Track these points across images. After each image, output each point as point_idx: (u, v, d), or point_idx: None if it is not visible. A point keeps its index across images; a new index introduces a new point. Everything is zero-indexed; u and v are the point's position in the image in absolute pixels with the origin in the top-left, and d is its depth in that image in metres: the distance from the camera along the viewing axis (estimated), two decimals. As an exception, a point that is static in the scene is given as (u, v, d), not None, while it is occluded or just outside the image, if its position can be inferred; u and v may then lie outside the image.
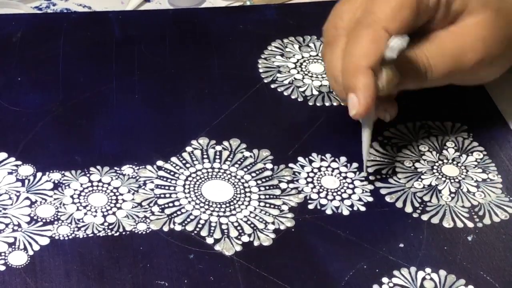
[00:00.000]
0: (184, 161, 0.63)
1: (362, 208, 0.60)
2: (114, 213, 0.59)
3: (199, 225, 0.58)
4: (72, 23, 0.76)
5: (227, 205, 0.60)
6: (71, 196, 0.60)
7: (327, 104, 0.68)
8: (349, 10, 0.63)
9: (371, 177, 0.62)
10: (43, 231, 0.57)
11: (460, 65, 0.62)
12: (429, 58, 0.61)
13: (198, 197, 0.60)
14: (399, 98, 0.65)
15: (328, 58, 0.62)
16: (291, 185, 0.62)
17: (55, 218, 0.58)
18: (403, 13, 0.60)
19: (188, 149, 0.64)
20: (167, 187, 0.61)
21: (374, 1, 0.60)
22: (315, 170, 0.63)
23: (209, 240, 0.57)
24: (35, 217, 0.58)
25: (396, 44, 0.58)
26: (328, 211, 0.60)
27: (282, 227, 0.59)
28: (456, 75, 0.63)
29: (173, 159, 0.63)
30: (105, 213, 0.59)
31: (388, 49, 0.58)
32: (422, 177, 0.63)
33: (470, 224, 0.60)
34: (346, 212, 0.60)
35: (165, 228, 0.58)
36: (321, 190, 0.61)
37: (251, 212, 0.60)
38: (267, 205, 0.60)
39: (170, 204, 0.60)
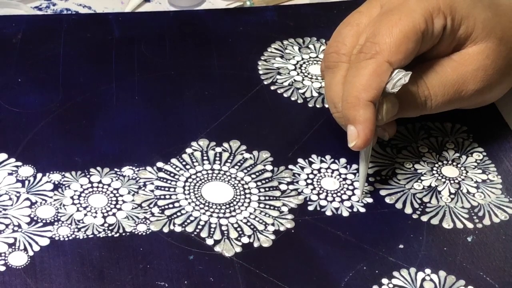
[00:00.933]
0: (184, 163, 0.63)
1: (362, 210, 0.60)
2: (114, 214, 0.59)
3: (199, 226, 0.58)
4: (72, 24, 0.76)
5: (227, 206, 0.60)
6: (71, 197, 0.60)
7: (326, 105, 0.68)
8: (352, 34, 0.62)
9: (370, 179, 0.63)
10: (43, 232, 0.57)
11: (460, 95, 0.62)
12: (429, 87, 0.61)
13: (198, 198, 0.60)
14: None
15: (328, 82, 0.62)
16: (291, 187, 0.62)
17: (55, 219, 0.58)
18: (407, 45, 0.59)
19: (188, 150, 0.64)
20: (167, 189, 0.61)
21: (379, 30, 0.59)
22: (315, 172, 0.63)
23: (209, 241, 0.57)
24: (35, 218, 0.58)
25: (398, 79, 0.58)
26: (328, 213, 0.60)
27: (282, 229, 0.59)
28: (456, 103, 0.63)
29: (173, 160, 0.63)
30: (105, 214, 0.59)
31: (389, 84, 0.58)
32: (422, 178, 0.63)
33: (470, 225, 0.60)
34: (346, 214, 0.60)
35: (165, 229, 0.58)
36: (321, 191, 0.61)
37: (251, 213, 0.60)
38: (267, 206, 0.60)
39: (170, 205, 0.60)
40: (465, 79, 0.61)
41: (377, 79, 0.58)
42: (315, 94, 0.70)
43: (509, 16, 0.63)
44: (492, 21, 0.62)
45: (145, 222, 0.58)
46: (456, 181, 0.63)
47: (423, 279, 0.56)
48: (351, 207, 0.60)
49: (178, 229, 0.58)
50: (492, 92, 0.63)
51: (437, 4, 0.60)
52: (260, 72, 0.72)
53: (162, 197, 0.60)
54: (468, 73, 0.61)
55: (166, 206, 0.60)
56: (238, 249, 0.57)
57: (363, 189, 0.61)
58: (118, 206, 0.59)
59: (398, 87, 0.58)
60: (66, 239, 0.57)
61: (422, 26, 0.59)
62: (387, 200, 0.61)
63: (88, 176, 0.61)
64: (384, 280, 0.55)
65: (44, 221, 0.58)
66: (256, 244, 0.57)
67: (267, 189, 0.61)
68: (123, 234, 0.57)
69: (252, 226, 0.59)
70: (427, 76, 0.61)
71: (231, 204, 0.60)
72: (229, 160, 0.63)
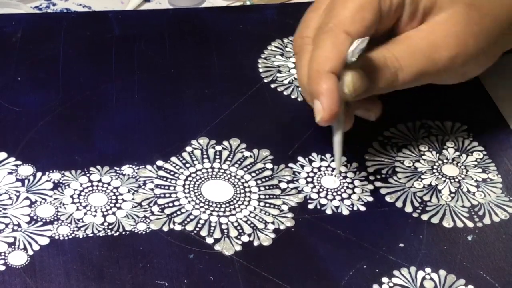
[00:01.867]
0: (184, 161, 0.63)
1: (362, 208, 0.60)
2: (114, 213, 0.59)
3: (199, 225, 0.58)
4: (72, 23, 0.76)
5: (227, 205, 0.60)
6: (71, 196, 0.60)
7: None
8: (314, 18, 0.62)
9: (371, 177, 0.62)
10: (43, 231, 0.57)
11: (433, 64, 0.60)
12: (398, 59, 0.60)
13: (198, 197, 0.60)
14: (399, 97, 0.65)
15: (297, 67, 0.62)
16: (291, 185, 0.62)
17: (55, 218, 0.58)
18: (363, 14, 0.59)
19: (188, 149, 0.64)
20: (167, 187, 0.61)
21: (334, 6, 0.59)
22: (315, 170, 0.63)
23: (209, 240, 0.57)
24: (35, 217, 0.58)
25: (355, 46, 0.57)
26: (328, 211, 0.60)
27: (282, 227, 0.59)
28: (430, 74, 0.61)
29: (173, 159, 0.63)
30: (105, 213, 0.59)
31: (349, 53, 0.57)
32: (422, 177, 0.63)
33: (470, 224, 0.60)
34: (346, 212, 0.60)
35: (165, 228, 0.58)
36: (321, 190, 0.61)
37: (251, 212, 0.60)
38: (267, 205, 0.60)
39: (170, 204, 0.60)
40: (436, 47, 0.60)
41: (335, 50, 0.57)
42: (315, 92, 0.70)
43: None
44: None
45: (145, 221, 0.58)
46: (456, 180, 0.63)
47: (423, 278, 0.56)
48: (351, 205, 0.60)
49: (178, 227, 0.58)
50: (470, 63, 0.62)
51: None
52: (260, 70, 0.72)
53: (162, 195, 0.60)
54: (438, 40, 0.60)
55: (166, 205, 0.60)
56: (238, 248, 0.57)
57: (339, 167, 0.61)
58: (118, 205, 0.59)
59: (357, 54, 0.57)
60: (66, 238, 0.57)
61: None
62: (387, 198, 0.61)
63: (88, 175, 0.61)
64: (384, 279, 0.55)
65: (44, 220, 0.58)
66: (256, 243, 0.57)
67: (267, 187, 0.61)
68: (123, 233, 0.57)
69: (252, 225, 0.59)
70: (395, 48, 0.60)
71: (231, 203, 0.60)
72: (229, 159, 0.63)
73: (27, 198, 0.59)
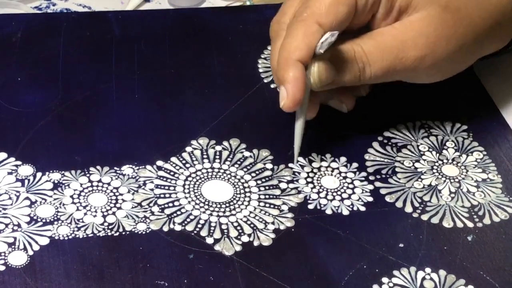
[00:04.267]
0: (184, 161, 0.63)
1: (362, 208, 0.60)
2: (114, 213, 0.59)
3: (199, 225, 0.58)
4: (72, 23, 0.76)
5: (227, 205, 0.60)
6: (71, 196, 0.60)
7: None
8: (292, 5, 0.63)
9: (371, 177, 0.63)
10: (43, 231, 0.57)
11: (401, 62, 0.61)
12: (367, 53, 0.60)
13: (198, 197, 0.60)
14: (398, 97, 0.65)
15: (271, 52, 0.63)
16: (291, 185, 0.62)
17: (55, 218, 0.58)
18: (338, 8, 0.59)
19: (188, 149, 0.64)
20: (167, 187, 0.61)
21: None
22: (315, 170, 0.63)
23: (209, 240, 0.57)
24: (35, 217, 0.58)
25: (324, 38, 0.58)
26: (328, 211, 0.60)
27: (282, 227, 0.59)
28: (398, 72, 0.61)
29: (173, 159, 0.63)
30: (105, 213, 0.59)
31: (318, 44, 0.58)
32: (422, 177, 0.63)
33: (470, 224, 0.60)
34: (346, 212, 0.60)
35: (165, 228, 0.58)
36: (321, 190, 0.61)
37: (251, 212, 0.60)
38: (267, 205, 0.60)
39: (170, 204, 0.60)
40: (405, 45, 0.61)
41: (305, 40, 0.58)
42: (315, 92, 0.70)
43: None
44: None
45: (145, 221, 0.58)
46: (456, 180, 0.63)
47: (423, 278, 0.56)
48: (351, 205, 0.60)
49: (178, 228, 0.58)
50: (437, 67, 0.62)
51: None
52: (260, 70, 0.72)
53: (162, 196, 0.60)
54: (408, 39, 0.61)
55: (166, 205, 0.60)
56: (238, 248, 0.57)
57: (298, 154, 0.62)
58: (118, 205, 0.59)
59: (325, 46, 0.58)
60: (66, 238, 0.57)
61: None
62: (387, 199, 0.61)
63: (88, 175, 0.61)
64: (384, 279, 0.55)
65: (43, 221, 0.58)
66: (256, 243, 0.57)
67: (267, 187, 0.61)
68: (123, 233, 0.57)
69: (252, 225, 0.59)
70: (365, 43, 0.61)
71: (231, 203, 0.60)
72: (229, 159, 0.63)
73: (27, 198, 0.59)
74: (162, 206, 0.59)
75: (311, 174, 0.63)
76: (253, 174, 0.62)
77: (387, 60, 0.61)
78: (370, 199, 0.61)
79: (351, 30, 0.61)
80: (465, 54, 0.63)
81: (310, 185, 0.62)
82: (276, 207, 0.60)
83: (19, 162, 0.62)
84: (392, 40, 0.61)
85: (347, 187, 0.62)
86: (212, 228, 0.58)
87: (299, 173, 0.62)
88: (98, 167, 0.62)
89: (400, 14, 0.62)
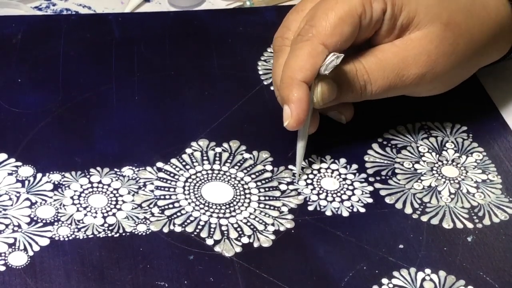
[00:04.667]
0: (184, 163, 0.63)
1: (362, 210, 0.60)
2: (114, 214, 0.59)
3: (199, 227, 0.58)
4: (72, 24, 0.76)
5: (227, 206, 0.60)
6: (71, 197, 0.60)
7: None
8: (296, 19, 0.63)
9: (370, 179, 0.63)
10: (43, 232, 0.57)
11: (401, 80, 0.62)
12: (368, 72, 0.61)
13: (198, 198, 0.60)
14: (398, 99, 0.65)
15: (273, 66, 0.63)
16: (291, 187, 0.62)
17: (55, 219, 0.58)
18: (343, 28, 0.59)
19: (188, 150, 0.64)
20: (167, 189, 0.61)
21: (316, 14, 0.60)
22: (315, 172, 0.63)
23: (209, 241, 0.57)
24: (35, 218, 0.58)
25: (330, 61, 0.58)
26: (328, 213, 0.60)
27: (282, 229, 0.59)
28: (399, 89, 0.62)
29: (173, 160, 0.63)
30: (105, 214, 0.59)
31: (323, 66, 0.59)
32: (422, 178, 0.63)
33: (469, 225, 0.60)
34: (345, 214, 0.60)
35: (165, 229, 0.58)
36: (320, 191, 0.61)
37: (251, 213, 0.60)
38: (267, 206, 0.60)
39: (170, 206, 0.60)
40: (406, 64, 0.61)
41: (311, 61, 0.59)
42: (315, 94, 0.70)
43: (457, 1, 0.63)
44: (437, 6, 0.61)
45: (145, 222, 0.58)
46: (456, 181, 0.63)
47: (423, 279, 0.56)
48: (351, 207, 0.60)
49: (178, 229, 0.58)
50: (437, 78, 0.63)
51: None
52: (260, 72, 0.72)
53: (162, 197, 0.60)
54: (410, 57, 0.61)
55: (166, 206, 0.60)
56: (238, 249, 0.57)
57: (300, 170, 0.62)
58: (118, 206, 0.59)
59: (330, 68, 0.59)
60: (66, 239, 0.57)
61: (359, 9, 0.60)
62: (387, 200, 0.61)
63: (88, 176, 0.61)
64: (384, 280, 0.55)
65: (44, 221, 0.58)
66: (256, 244, 0.57)
67: (267, 189, 0.61)
68: (123, 234, 0.57)
69: (252, 226, 0.59)
70: (367, 61, 0.61)
71: (231, 204, 0.60)
72: (229, 160, 0.63)
73: (27, 199, 0.59)
74: (162, 208, 0.59)
75: (311, 176, 0.63)
76: (253, 176, 0.62)
77: (388, 78, 0.61)
78: (370, 200, 0.61)
79: (352, 45, 0.62)
80: (464, 68, 0.64)
81: (310, 187, 0.62)
82: (276, 208, 0.60)
83: (19, 163, 0.62)
84: (393, 57, 0.61)
85: (347, 189, 0.62)
86: (212, 230, 0.58)
87: (299, 174, 0.62)
88: (98, 168, 0.62)
89: (402, 31, 0.62)
